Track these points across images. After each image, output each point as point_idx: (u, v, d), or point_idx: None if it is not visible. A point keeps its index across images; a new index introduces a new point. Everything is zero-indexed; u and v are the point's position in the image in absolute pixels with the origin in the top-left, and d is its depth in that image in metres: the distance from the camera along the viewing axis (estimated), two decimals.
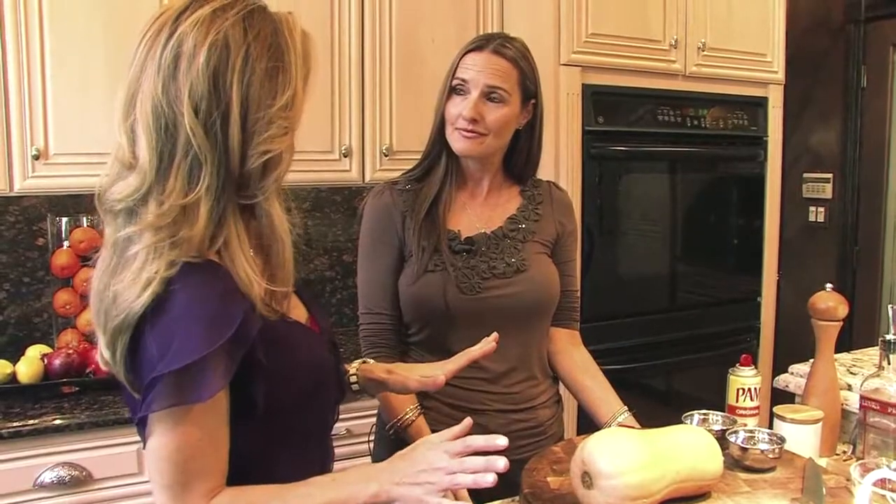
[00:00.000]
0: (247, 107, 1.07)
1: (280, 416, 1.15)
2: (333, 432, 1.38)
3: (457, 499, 1.55)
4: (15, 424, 2.08)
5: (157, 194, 1.05)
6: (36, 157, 2.32)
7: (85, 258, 2.62)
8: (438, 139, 1.77)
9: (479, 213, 1.81)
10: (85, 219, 2.66)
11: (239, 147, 1.07)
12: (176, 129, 1.05)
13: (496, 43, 1.72)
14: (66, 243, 2.62)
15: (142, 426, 1.06)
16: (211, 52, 1.05)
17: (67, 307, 2.59)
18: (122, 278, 1.04)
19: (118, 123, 1.10)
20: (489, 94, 1.69)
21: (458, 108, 1.70)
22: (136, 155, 1.07)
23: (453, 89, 1.72)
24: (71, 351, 2.38)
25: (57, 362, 2.33)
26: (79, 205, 2.68)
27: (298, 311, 1.30)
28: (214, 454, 1.07)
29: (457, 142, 1.72)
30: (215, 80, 1.05)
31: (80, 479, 2.14)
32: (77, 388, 2.33)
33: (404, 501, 1.09)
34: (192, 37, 1.05)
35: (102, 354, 1.09)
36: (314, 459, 1.24)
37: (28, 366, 2.31)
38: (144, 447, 1.07)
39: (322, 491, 1.11)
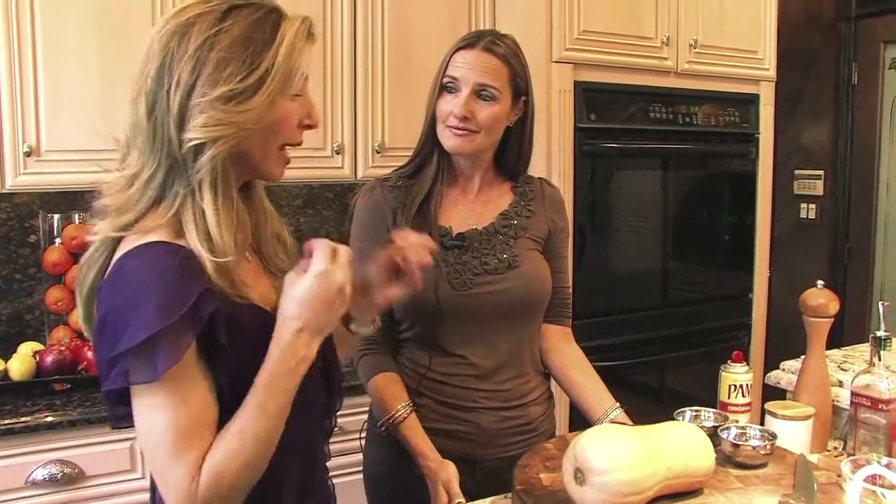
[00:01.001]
0: (189, 92, 1.09)
1: None
2: None
3: (449, 494, 1.56)
4: (7, 422, 2.08)
5: (119, 165, 1.17)
6: (28, 154, 2.32)
7: (77, 255, 2.62)
8: (429, 136, 1.77)
9: (470, 210, 1.81)
10: (77, 216, 2.66)
11: (175, 130, 1.10)
12: (135, 107, 1.13)
13: (486, 40, 1.72)
14: (57, 240, 2.62)
15: (109, 401, 1.10)
16: (171, 34, 1.10)
17: (59, 304, 2.59)
18: (92, 243, 1.14)
19: None
20: (479, 92, 1.69)
21: (450, 106, 1.70)
22: None
23: (444, 87, 1.72)
24: (63, 348, 2.38)
25: (49, 359, 2.33)
26: (71, 202, 2.68)
27: None
28: (197, 426, 1.06)
29: (448, 139, 1.72)
30: (167, 62, 1.09)
31: (72, 477, 2.14)
32: (69, 385, 2.33)
33: None
34: (166, 21, 1.12)
35: (81, 319, 1.19)
36: (295, 460, 1.22)
37: (20, 363, 2.31)
38: (112, 425, 1.15)
39: (258, 390, 1.09)
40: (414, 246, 1.40)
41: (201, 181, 1.11)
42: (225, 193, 1.13)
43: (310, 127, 1.23)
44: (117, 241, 1.12)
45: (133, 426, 1.09)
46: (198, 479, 1.04)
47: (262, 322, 1.15)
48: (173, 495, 1.05)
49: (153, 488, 1.20)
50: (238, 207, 1.17)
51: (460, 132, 1.69)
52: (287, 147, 1.21)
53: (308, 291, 1.12)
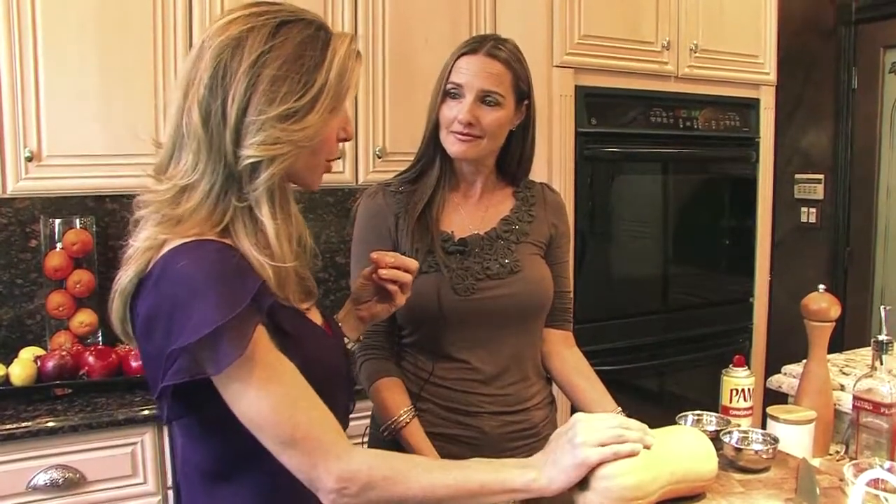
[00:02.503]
0: (245, 108, 1.09)
1: None
2: None
3: None
4: (8, 427, 2.08)
5: (163, 174, 1.14)
6: (29, 159, 2.32)
7: (78, 260, 2.62)
8: (432, 142, 1.77)
9: (472, 215, 1.81)
10: (78, 221, 2.66)
11: (231, 145, 1.10)
12: (188, 115, 1.12)
13: (489, 45, 1.72)
14: (59, 245, 2.62)
15: (163, 397, 1.08)
16: (222, 47, 1.10)
17: (60, 309, 2.59)
18: (133, 246, 1.12)
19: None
20: (484, 98, 1.69)
21: (453, 112, 1.70)
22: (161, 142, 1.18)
23: (447, 93, 1.72)
24: (64, 353, 2.38)
25: (50, 364, 2.33)
26: (72, 206, 2.68)
27: (315, 318, 1.32)
28: (315, 407, 1.10)
29: (452, 145, 1.72)
30: (220, 74, 1.10)
31: (73, 482, 2.14)
32: (70, 390, 2.33)
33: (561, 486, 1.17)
34: (217, 30, 1.12)
35: (116, 323, 1.20)
36: None
37: (21, 368, 2.31)
38: (165, 420, 1.17)
39: (479, 469, 1.16)
40: (390, 267, 1.46)
41: (259, 197, 1.12)
42: (282, 206, 1.15)
43: (345, 140, 1.26)
44: (161, 243, 1.11)
45: (178, 419, 1.14)
46: (348, 472, 1.08)
47: (309, 330, 1.22)
48: (326, 475, 1.08)
49: (178, 490, 1.22)
50: (295, 217, 1.20)
51: (464, 138, 1.69)
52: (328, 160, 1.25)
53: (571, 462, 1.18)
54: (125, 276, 1.13)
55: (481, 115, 1.69)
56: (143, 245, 1.12)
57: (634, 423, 1.28)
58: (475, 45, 1.73)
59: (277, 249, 1.13)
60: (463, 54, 1.72)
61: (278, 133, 1.10)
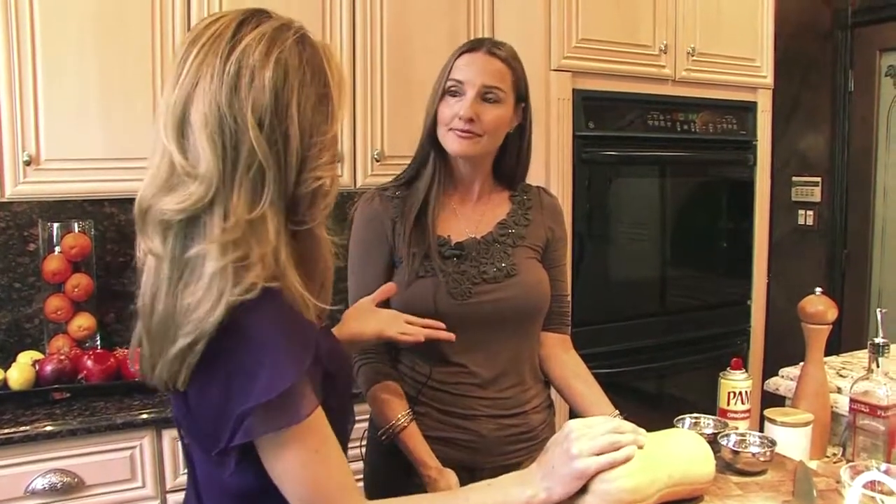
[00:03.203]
0: (305, 130, 1.06)
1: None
2: None
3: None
4: (6, 431, 2.07)
5: (221, 206, 1.02)
6: (27, 163, 2.32)
7: (76, 264, 2.62)
8: (429, 142, 1.77)
9: (468, 219, 1.81)
10: (76, 224, 2.66)
11: (296, 170, 1.06)
12: (240, 140, 1.03)
13: (488, 45, 1.73)
14: (57, 249, 2.62)
15: (225, 455, 1.05)
16: (276, 70, 1.04)
17: (59, 313, 2.59)
18: (192, 294, 1.01)
19: (165, 129, 1.05)
20: (485, 94, 1.70)
21: (454, 109, 1.70)
22: (192, 164, 1.03)
23: (447, 90, 1.72)
24: (62, 357, 2.38)
25: (48, 368, 2.33)
26: (70, 211, 2.68)
27: None
28: (341, 470, 1.09)
29: (452, 143, 1.72)
30: (277, 98, 1.04)
31: (72, 486, 2.14)
32: (69, 395, 2.33)
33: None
34: (258, 51, 1.04)
35: (159, 374, 1.06)
36: None
37: (19, 372, 2.31)
38: (228, 475, 1.07)
39: (479, 493, 1.18)
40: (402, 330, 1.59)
41: (323, 220, 1.12)
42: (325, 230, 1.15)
43: None
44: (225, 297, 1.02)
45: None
46: None
47: (338, 342, 1.25)
48: None
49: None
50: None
51: (465, 135, 1.69)
52: None
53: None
54: (186, 337, 1.01)
55: (482, 111, 1.69)
56: (224, 294, 1.00)
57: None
58: (475, 45, 1.74)
59: (329, 273, 1.13)
60: (463, 53, 1.73)
61: (334, 149, 1.09)
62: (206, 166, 1.02)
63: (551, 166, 2.79)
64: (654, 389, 3.24)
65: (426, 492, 1.59)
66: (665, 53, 3.04)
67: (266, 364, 0.99)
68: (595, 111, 2.89)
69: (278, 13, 1.13)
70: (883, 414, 1.61)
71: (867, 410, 1.63)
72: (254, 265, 1.01)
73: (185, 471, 1.35)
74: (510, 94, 1.73)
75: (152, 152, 1.08)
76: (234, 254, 1.01)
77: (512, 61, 1.74)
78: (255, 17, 1.09)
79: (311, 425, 1.04)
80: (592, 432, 1.22)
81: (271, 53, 1.04)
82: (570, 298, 1.94)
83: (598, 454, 1.20)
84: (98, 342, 2.67)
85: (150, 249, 1.05)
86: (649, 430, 1.44)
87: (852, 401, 1.67)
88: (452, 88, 1.72)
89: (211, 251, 1.01)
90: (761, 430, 1.72)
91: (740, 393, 1.79)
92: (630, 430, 1.26)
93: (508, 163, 1.84)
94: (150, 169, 1.07)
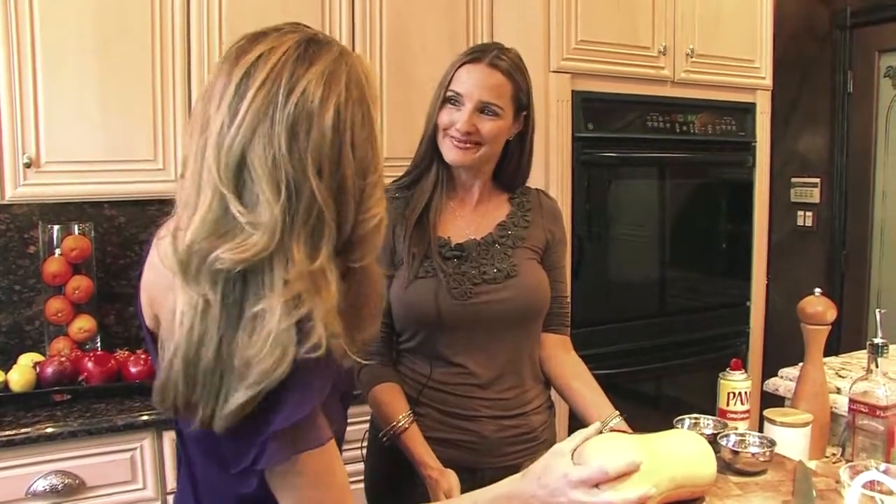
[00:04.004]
0: (361, 170, 1.01)
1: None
2: None
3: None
4: (7, 433, 2.08)
5: (283, 256, 0.96)
6: (27, 166, 2.32)
7: (76, 266, 2.62)
8: (429, 147, 1.78)
9: (468, 221, 1.82)
10: (76, 227, 2.66)
11: (354, 211, 1.01)
12: (300, 189, 0.96)
13: (492, 55, 1.72)
14: (57, 251, 2.62)
15: (247, 474, 1.04)
16: (335, 116, 0.98)
17: (59, 315, 2.59)
18: (253, 347, 0.95)
19: (221, 172, 0.97)
20: (482, 109, 1.70)
21: (452, 118, 1.71)
22: (251, 211, 0.97)
23: (447, 99, 1.73)
24: (63, 359, 2.38)
25: (49, 370, 2.33)
26: (70, 213, 2.69)
27: None
28: (343, 488, 1.09)
29: (449, 151, 1.73)
30: (334, 143, 0.98)
31: (73, 487, 2.14)
32: (69, 396, 2.33)
33: None
34: (317, 96, 0.98)
35: (214, 420, 0.99)
36: None
37: (20, 374, 2.31)
38: (253, 489, 1.05)
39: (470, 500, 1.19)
40: None
41: (373, 257, 1.07)
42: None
43: None
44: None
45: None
46: None
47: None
48: None
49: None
50: None
51: (462, 145, 1.70)
52: None
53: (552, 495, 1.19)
54: (250, 389, 0.95)
55: (480, 124, 1.70)
56: (273, 359, 0.95)
57: (621, 449, 1.28)
58: (478, 55, 1.73)
59: (381, 304, 1.12)
60: (465, 63, 1.73)
61: (383, 181, 1.05)
62: (269, 215, 0.95)
63: (550, 168, 2.80)
64: (654, 390, 3.24)
65: (427, 493, 1.59)
66: (664, 55, 3.05)
67: (292, 390, 0.97)
68: (594, 113, 2.90)
69: (276, 15, 1.11)
70: (882, 414, 1.61)
71: (866, 411, 1.63)
72: (318, 323, 0.96)
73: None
74: (509, 108, 1.73)
75: (196, 191, 0.99)
76: (298, 311, 0.96)
77: (514, 73, 1.74)
78: (309, 48, 1.02)
79: (327, 449, 1.04)
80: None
81: (330, 98, 0.99)
82: (569, 299, 1.95)
83: None
84: (98, 344, 2.67)
85: (202, 294, 0.98)
86: (649, 430, 1.45)
87: (851, 401, 1.68)
88: (451, 98, 1.72)
89: (274, 308, 0.95)
90: (761, 430, 1.73)
91: (740, 393, 1.80)
92: (624, 462, 1.24)
93: (509, 168, 1.84)
94: (199, 211, 0.98)
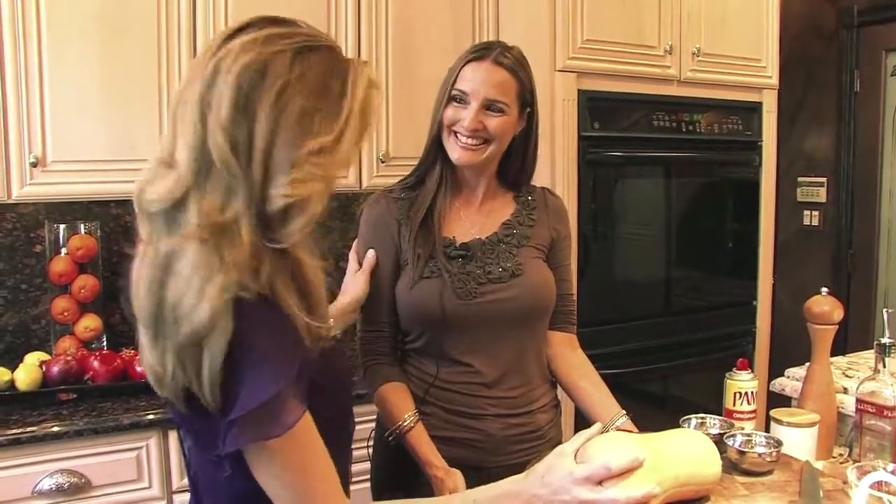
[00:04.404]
0: (272, 143, 1.02)
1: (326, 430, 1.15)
2: None
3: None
4: (13, 432, 2.08)
5: (196, 202, 1.02)
6: (34, 165, 2.33)
7: (82, 265, 2.63)
8: (434, 146, 1.77)
9: (473, 220, 1.82)
10: (82, 226, 2.66)
11: (260, 183, 1.02)
12: (207, 139, 1.02)
13: (496, 53, 1.72)
14: (63, 250, 2.62)
15: (221, 459, 1.05)
16: (242, 73, 1.02)
17: (65, 314, 2.60)
18: (178, 291, 1.00)
19: (168, 120, 1.09)
20: (489, 106, 1.70)
21: (457, 115, 1.71)
22: (174, 156, 1.04)
23: (452, 97, 1.73)
24: (69, 358, 2.39)
25: (55, 369, 2.33)
26: (76, 212, 2.69)
27: None
28: (328, 479, 1.10)
29: (454, 151, 1.73)
30: (243, 103, 1.02)
31: (78, 486, 2.14)
32: (75, 395, 2.33)
33: None
34: (235, 54, 1.03)
35: (156, 367, 1.06)
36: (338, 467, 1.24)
37: (26, 373, 2.31)
38: (226, 477, 1.08)
39: (470, 497, 1.20)
40: None
41: (298, 243, 1.08)
42: (315, 248, 1.13)
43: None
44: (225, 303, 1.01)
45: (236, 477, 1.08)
46: None
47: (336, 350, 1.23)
48: None
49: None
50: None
51: (467, 144, 1.70)
52: None
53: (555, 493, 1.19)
54: (197, 325, 0.99)
55: (486, 121, 1.70)
56: (207, 292, 0.99)
57: (624, 447, 1.28)
58: (482, 53, 1.73)
59: (319, 299, 1.11)
60: (469, 61, 1.72)
61: (313, 168, 1.03)
62: (181, 160, 1.03)
63: (556, 167, 2.79)
64: (660, 390, 3.24)
65: (432, 492, 1.59)
66: (670, 54, 3.04)
67: (252, 373, 0.99)
68: (600, 112, 2.89)
69: (280, 13, 1.13)
70: (889, 414, 1.61)
71: (874, 411, 1.63)
72: (228, 269, 0.99)
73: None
74: (514, 105, 1.73)
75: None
76: (207, 255, 1.00)
77: (518, 70, 1.74)
78: (261, 24, 1.08)
79: (296, 435, 1.04)
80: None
81: (247, 54, 1.03)
82: (575, 298, 1.94)
83: None
84: (104, 343, 2.68)
85: (141, 235, 1.07)
86: (655, 430, 1.45)
87: (859, 401, 1.67)
88: (457, 96, 1.72)
89: (186, 249, 1.01)
90: (767, 430, 1.72)
91: (746, 393, 1.80)
92: (627, 458, 1.24)
93: (513, 166, 1.84)
94: (153, 159, 1.09)
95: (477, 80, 1.70)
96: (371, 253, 1.77)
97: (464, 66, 1.72)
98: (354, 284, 1.77)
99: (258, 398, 0.98)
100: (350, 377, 1.30)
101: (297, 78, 1.04)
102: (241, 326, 0.99)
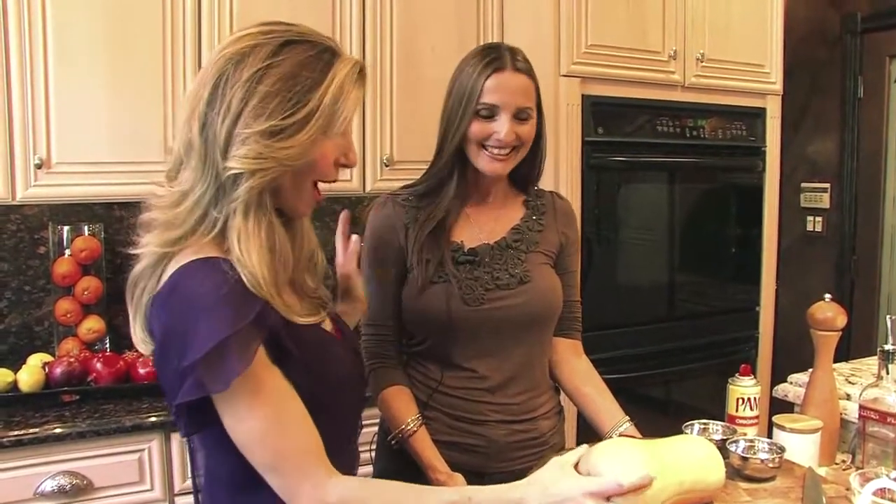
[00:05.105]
0: (235, 120, 1.12)
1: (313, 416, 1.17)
2: None
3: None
4: (16, 433, 2.08)
5: (182, 174, 1.17)
6: (38, 166, 2.33)
7: (86, 267, 2.63)
8: (453, 158, 1.74)
9: (482, 225, 1.81)
10: (86, 227, 2.67)
11: (220, 156, 1.13)
12: (190, 125, 1.16)
13: (510, 58, 1.69)
14: (67, 252, 2.63)
15: (180, 414, 1.11)
16: (226, 60, 1.14)
17: (68, 316, 2.60)
18: (140, 254, 1.16)
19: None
20: (518, 115, 1.69)
21: (489, 129, 1.68)
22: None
23: (478, 113, 1.68)
24: (72, 359, 2.39)
25: (58, 371, 2.34)
26: (80, 214, 2.70)
27: (325, 325, 1.33)
28: (303, 436, 1.13)
29: (486, 163, 1.71)
30: (219, 85, 1.14)
31: (81, 488, 2.14)
32: (78, 397, 2.33)
33: None
34: (224, 46, 1.17)
35: (138, 336, 1.20)
36: (337, 465, 1.24)
37: (29, 374, 2.31)
38: (184, 435, 1.19)
39: (467, 493, 1.19)
40: None
41: (235, 209, 1.14)
42: (257, 221, 1.15)
43: (346, 167, 1.27)
44: (169, 257, 1.15)
45: (197, 433, 1.18)
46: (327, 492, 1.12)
47: (321, 336, 1.28)
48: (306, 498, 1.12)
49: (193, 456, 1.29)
50: (276, 234, 1.19)
51: (502, 157, 1.70)
52: (320, 183, 1.25)
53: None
54: (141, 298, 1.17)
55: (518, 130, 1.69)
56: (149, 260, 1.16)
57: (630, 458, 1.27)
58: (498, 63, 1.68)
59: (248, 261, 1.13)
60: (490, 73, 1.67)
61: (261, 148, 1.12)
62: (176, 139, 1.20)
63: (560, 172, 2.80)
64: (663, 395, 3.24)
65: None
66: (674, 59, 3.04)
67: (195, 325, 1.05)
68: (604, 117, 2.90)
69: (285, 17, 1.19)
70: (893, 421, 1.61)
71: (877, 417, 1.63)
72: (175, 228, 1.15)
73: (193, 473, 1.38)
74: (534, 108, 1.73)
75: None
76: (163, 214, 1.16)
77: (532, 72, 1.73)
78: (264, 24, 1.21)
79: (262, 389, 1.10)
80: None
81: (234, 46, 1.16)
82: (581, 304, 1.94)
83: None
84: (107, 345, 2.68)
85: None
86: (657, 435, 1.44)
87: (862, 408, 1.67)
88: (483, 112, 1.68)
89: (152, 213, 1.17)
90: (770, 436, 1.72)
91: (749, 399, 1.79)
92: (638, 481, 1.22)
93: (524, 168, 1.83)
94: None
95: (505, 91, 1.67)
96: (345, 213, 1.75)
97: (486, 79, 1.67)
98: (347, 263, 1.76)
99: (202, 349, 1.03)
100: (334, 355, 1.30)
101: (270, 66, 1.14)
102: (188, 282, 1.09)
